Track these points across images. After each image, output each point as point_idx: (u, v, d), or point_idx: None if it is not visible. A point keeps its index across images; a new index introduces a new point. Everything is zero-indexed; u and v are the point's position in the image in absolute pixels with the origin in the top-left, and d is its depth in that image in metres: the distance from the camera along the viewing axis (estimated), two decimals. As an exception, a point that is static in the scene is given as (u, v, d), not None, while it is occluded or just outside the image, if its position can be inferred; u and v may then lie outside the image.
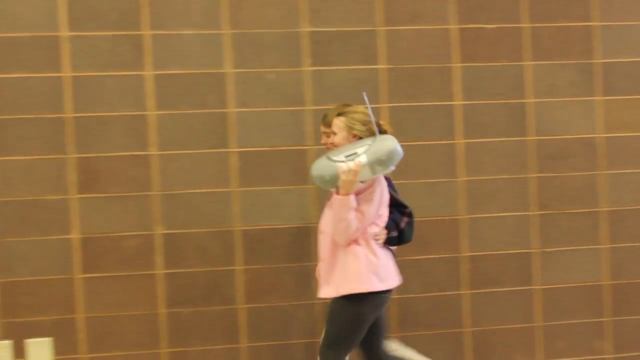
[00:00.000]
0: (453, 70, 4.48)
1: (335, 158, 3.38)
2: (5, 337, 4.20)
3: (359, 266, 3.41)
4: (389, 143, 3.36)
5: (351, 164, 3.30)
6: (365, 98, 3.47)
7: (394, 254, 3.85)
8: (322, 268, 3.52)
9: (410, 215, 3.71)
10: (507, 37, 4.50)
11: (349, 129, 3.48)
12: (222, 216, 4.33)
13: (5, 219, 4.18)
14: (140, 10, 4.27)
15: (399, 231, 3.65)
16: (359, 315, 3.46)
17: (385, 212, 3.53)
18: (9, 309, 4.18)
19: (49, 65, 4.23)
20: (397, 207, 3.66)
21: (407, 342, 4.40)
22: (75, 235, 4.24)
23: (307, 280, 4.35)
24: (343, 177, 3.32)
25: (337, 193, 3.36)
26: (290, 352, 4.37)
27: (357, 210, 3.39)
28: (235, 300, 4.35)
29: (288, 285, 4.36)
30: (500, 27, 4.49)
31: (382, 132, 3.48)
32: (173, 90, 4.30)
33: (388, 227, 3.59)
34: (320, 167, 3.40)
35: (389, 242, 3.60)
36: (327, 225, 3.48)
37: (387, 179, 3.79)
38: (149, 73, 4.29)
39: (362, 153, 3.33)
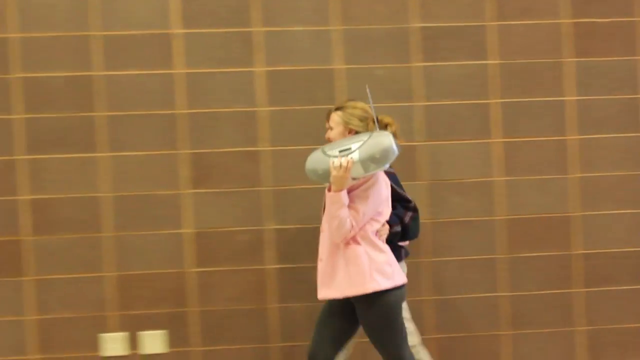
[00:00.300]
0: (565, 66, 4.50)
1: (329, 152, 3.30)
2: (120, 329, 4.36)
3: (360, 265, 3.32)
4: (384, 140, 3.26)
5: (343, 160, 3.23)
6: (368, 93, 3.42)
7: (405, 253, 3.89)
8: (320, 268, 3.42)
9: (414, 209, 3.69)
10: (620, 31, 4.50)
11: (345, 124, 3.45)
12: (332, 212, 4.41)
13: (120, 214, 4.35)
14: (251, 7, 4.38)
15: (403, 226, 3.62)
16: (381, 315, 3.38)
17: (386, 209, 3.43)
18: (124, 301, 4.34)
19: (162, 62, 4.37)
20: (400, 201, 3.63)
21: (519, 340, 4.45)
22: (187, 230, 4.38)
23: (417, 276, 4.45)
24: (334, 172, 3.24)
25: (329, 189, 3.29)
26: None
27: (352, 207, 3.30)
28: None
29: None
30: (613, 21, 4.49)
31: (383, 129, 3.38)
32: (283, 87, 4.40)
33: (391, 223, 3.53)
34: (314, 160, 3.34)
35: (393, 237, 3.55)
36: (325, 223, 3.38)
37: (391, 172, 3.75)
38: (259, 69, 4.39)
39: (356, 149, 3.25)
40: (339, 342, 3.53)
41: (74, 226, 4.32)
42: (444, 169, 4.44)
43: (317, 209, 4.23)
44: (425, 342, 4.30)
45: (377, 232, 3.41)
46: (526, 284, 4.46)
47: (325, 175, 3.29)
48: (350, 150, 3.25)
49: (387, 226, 3.49)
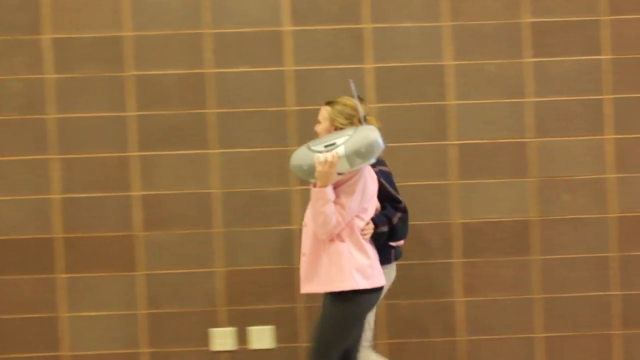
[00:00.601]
0: (682, 60, 4.50)
1: (314, 148, 3.30)
2: (229, 324, 4.49)
3: (342, 263, 3.35)
4: (370, 134, 3.28)
5: (328, 155, 3.25)
6: (353, 87, 3.43)
7: (396, 255, 3.90)
8: (303, 263, 3.43)
9: (404, 210, 3.65)
10: None
11: (332, 120, 3.46)
12: (441, 209, 4.50)
13: (230, 210, 4.47)
14: (361, 3, 4.48)
15: (392, 227, 3.60)
16: (348, 315, 3.40)
17: (371, 206, 3.46)
18: (233, 297, 4.46)
19: (272, 59, 4.48)
20: (391, 202, 3.63)
21: (631, 340, 4.46)
22: (296, 227, 4.48)
23: (527, 274, 4.46)
24: (319, 168, 3.26)
25: (314, 185, 3.31)
26: (509, 346, 4.49)
27: (337, 203, 3.33)
28: (453, 293, 4.50)
29: (507, 279, 4.48)
30: None
31: (352, 125, 3.42)
32: (393, 83, 4.48)
33: (378, 222, 3.53)
34: (299, 156, 3.34)
35: (379, 237, 3.55)
36: (309, 218, 3.41)
37: (385, 172, 3.77)
38: (369, 66, 4.49)
39: (341, 144, 3.26)
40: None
41: (185, 222, 4.45)
42: (554, 166, 4.47)
43: (425, 206, 4.31)
44: (534, 342, 4.36)
45: (362, 230, 3.41)
46: (638, 282, 4.47)
47: (311, 171, 3.29)
48: (336, 145, 3.26)
49: (371, 225, 3.49)
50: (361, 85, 4.42)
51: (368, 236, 3.45)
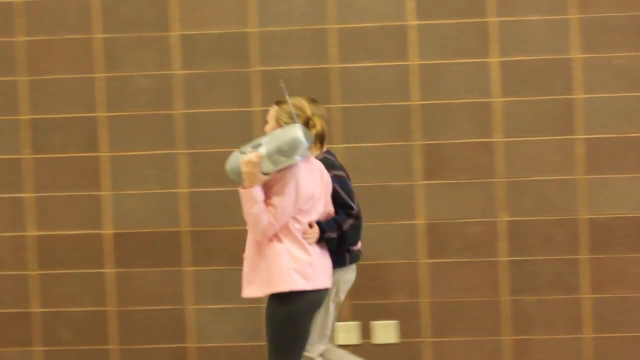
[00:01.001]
0: None
1: (243, 149, 3.31)
2: (353, 319, 4.64)
3: (280, 264, 3.38)
4: (291, 132, 3.29)
5: (251, 156, 3.26)
6: (284, 88, 3.48)
7: (352, 259, 3.90)
8: (244, 266, 3.47)
9: (356, 216, 3.66)
10: None
11: (277, 119, 3.49)
12: (568, 204, 4.58)
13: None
14: (487, -3, 4.58)
15: (343, 233, 3.62)
16: (290, 317, 3.42)
17: (312, 208, 3.49)
18: (357, 291, 4.60)
19: (396, 54, 4.62)
20: (343, 207, 3.65)
21: None
22: (420, 221, 4.62)
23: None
24: (243, 169, 3.28)
25: (243, 187, 3.32)
26: (638, 345, 4.55)
27: (270, 204, 3.34)
28: (580, 289, 4.58)
29: (635, 276, 4.55)
30: None
31: (306, 124, 3.43)
32: (518, 77, 4.58)
33: (326, 227, 3.57)
34: (231, 159, 3.35)
35: (329, 243, 3.59)
36: None
37: (340, 177, 3.77)
38: (494, 60, 4.59)
39: (265, 143, 3.27)
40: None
41: (309, 216, 4.59)
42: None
43: (550, 201, 4.40)
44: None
45: (304, 234, 3.45)
46: None
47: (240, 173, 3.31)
48: (260, 145, 3.28)
49: (315, 229, 3.51)
50: (486, 80, 4.53)
51: (311, 240, 3.48)
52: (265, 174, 3.30)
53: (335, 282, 3.81)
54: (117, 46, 4.57)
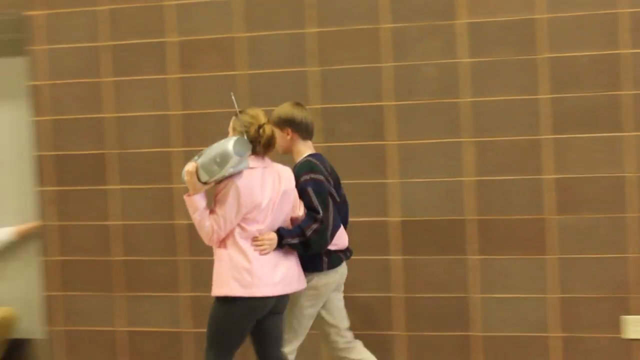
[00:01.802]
0: None
1: (194, 158, 4.06)
2: (644, 312, 5.27)
3: (221, 268, 4.07)
4: (223, 144, 3.93)
5: (189, 165, 4.00)
6: (233, 99, 4.18)
7: (331, 263, 4.48)
8: None
9: (321, 222, 4.19)
10: None
11: (233, 129, 4.17)
12: None
13: (648, 194, 5.23)
14: None
15: (306, 239, 4.20)
16: (227, 318, 4.11)
17: (256, 216, 4.12)
18: (649, 283, 5.21)
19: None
20: (310, 210, 4.23)
21: None
22: None
23: None
24: (185, 177, 4.03)
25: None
26: None
27: (213, 211, 4.04)
28: None
29: None
30: None
31: (248, 133, 4.14)
32: None
33: (285, 234, 4.17)
34: (185, 166, 4.11)
35: (294, 249, 4.24)
36: None
37: (317, 180, 4.37)
38: None
39: (203, 154, 3.98)
40: (262, 341, 4.34)
41: (597, 206, 5.29)
42: None
43: None
44: None
45: (255, 241, 4.12)
46: None
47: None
48: (202, 155, 3.98)
49: (271, 236, 4.15)
50: None
51: (262, 248, 4.12)
52: (205, 182, 4.02)
53: (313, 287, 4.46)
54: (404, 35, 5.39)
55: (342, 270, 4.69)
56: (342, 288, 4.78)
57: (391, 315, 5.46)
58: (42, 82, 5.92)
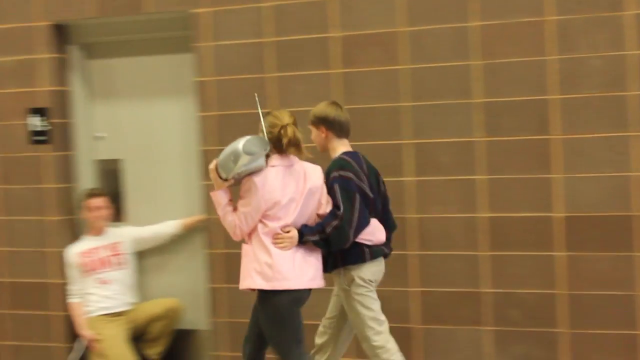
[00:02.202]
0: None
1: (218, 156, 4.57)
2: None
3: (246, 263, 4.56)
4: (235, 143, 4.47)
5: (211, 164, 4.55)
6: (257, 100, 4.71)
7: (369, 253, 4.83)
8: None
9: (341, 218, 4.57)
10: None
11: (261, 131, 4.59)
12: None
13: None
14: None
15: (326, 235, 4.59)
16: (266, 314, 4.65)
17: (277, 212, 4.59)
18: None
19: None
20: (335, 207, 4.65)
21: None
22: None
23: None
24: (210, 175, 4.58)
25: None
26: None
27: (236, 208, 4.57)
28: None
29: None
30: None
31: (269, 135, 4.65)
32: None
33: (305, 231, 4.60)
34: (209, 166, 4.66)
35: (317, 245, 4.64)
36: None
37: (345, 177, 4.79)
38: None
39: (222, 153, 4.53)
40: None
41: None
42: None
43: None
44: None
45: (275, 237, 4.57)
46: None
47: None
48: None
49: (291, 233, 4.59)
50: None
51: (283, 245, 4.57)
52: (225, 179, 4.56)
53: (359, 278, 4.85)
54: (570, 27, 5.71)
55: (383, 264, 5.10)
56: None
57: (555, 312, 5.81)
58: (208, 78, 6.45)
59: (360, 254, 4.78)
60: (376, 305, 5.01)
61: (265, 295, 4.56)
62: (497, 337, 5.93)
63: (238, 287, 4.71)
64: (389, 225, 5.12)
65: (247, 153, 4.42)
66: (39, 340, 6.95)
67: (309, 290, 4.64)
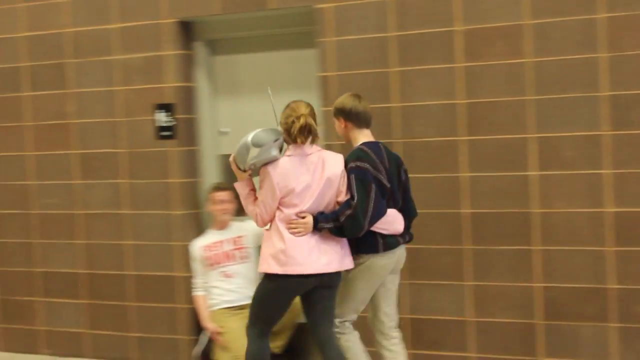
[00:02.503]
0: None
1: None
2: None
3: (265, 248, 4.97)
4: (246, 136, 4.87)
5: (232, 155, 4.90)
6: (270, 93, 5.00)
7: (383, 244, 5.08)
8: None
9: (354, 208, 4.81)
10: None
11: (280, 123, 4.93)
12: None
13: None
14: None
15: (340, 224, 4.85)
16: (268, 294, 5.07)
17: (292, 200, 4.95)
18: None
19: None
20: (351, 196, 4.88)
21: None
22: None
23: None
24: (231, 167, 5.01)
25: None
26: None
27: (257, 197, 4.95)
28: None
29: None
30: None
31: (284, 126, 5.03)
32: None
33: (320, 219, 4.91)
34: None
35: (331, 233, 4.93)
36: None
37: (361, 168, 5.08)
38: None
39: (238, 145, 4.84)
40: (312, 313, 5.20)
41: None
42: None
43: None
44: None
45: (289, 224, 4.93)
46: None
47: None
48: None
49: (306, 220, 4.92)
50: None
51: (297, 231, 4.93)
52: (244, 170, 4.97)
53: (368, 268, 5.12)
54: (699, 17, 5.73)
55: (400, 252, 5.34)
56: (399, 272, 5.43)
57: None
58: (331, 73, 6.66)
59: (374, 244, 5.08)
60: (361, 305, 5.32)
61: (273, 277, 5.00)
62: (623, 334, 5.99)
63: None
64: (410, 213, 5.40)
65: (255, 145, 4.86)
66: (165, 333, 7.29)
67: (322, 275, 4.99)
